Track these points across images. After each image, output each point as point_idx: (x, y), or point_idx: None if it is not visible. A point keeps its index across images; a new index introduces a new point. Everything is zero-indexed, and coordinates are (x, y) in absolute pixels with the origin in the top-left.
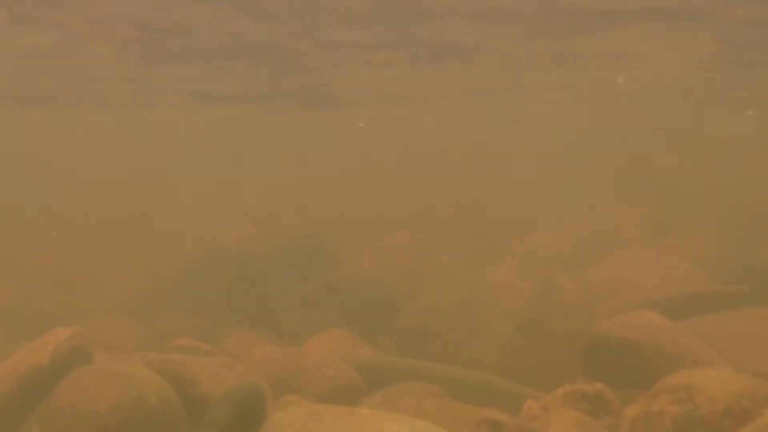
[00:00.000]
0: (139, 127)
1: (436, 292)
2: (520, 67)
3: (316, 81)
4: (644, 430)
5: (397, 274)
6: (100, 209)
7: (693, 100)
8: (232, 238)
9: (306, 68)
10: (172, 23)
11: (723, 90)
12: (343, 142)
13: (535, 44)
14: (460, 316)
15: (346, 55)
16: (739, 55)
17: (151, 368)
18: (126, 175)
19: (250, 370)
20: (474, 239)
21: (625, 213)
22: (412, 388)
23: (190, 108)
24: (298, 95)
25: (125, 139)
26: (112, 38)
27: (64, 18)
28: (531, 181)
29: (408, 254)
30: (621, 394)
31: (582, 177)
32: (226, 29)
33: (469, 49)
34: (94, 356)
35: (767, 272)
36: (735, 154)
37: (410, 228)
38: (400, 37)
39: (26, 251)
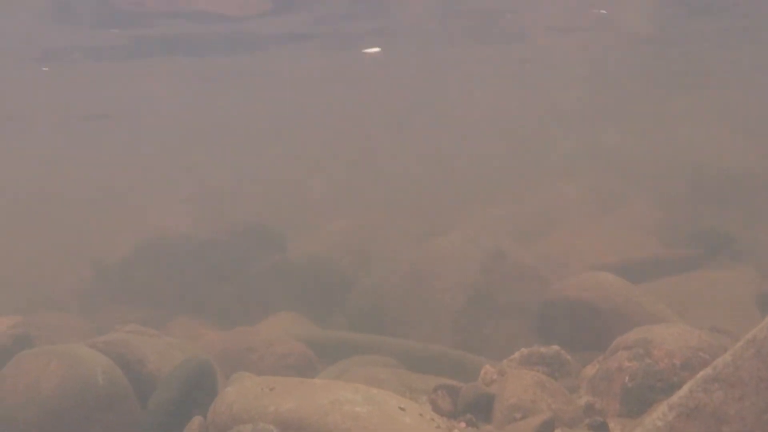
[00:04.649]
0: None
1: (385, 269)
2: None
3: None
4: (603, 387)
5: (344, 255)
6: (30, 201)
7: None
8: (175, 225)
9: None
10: None
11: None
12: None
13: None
14: (410, 291)
15: None
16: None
17: (95, 349)
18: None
19: (199, 350)
20: (419, 219)
21: (571, 187)
22: (365, 360)
23: None
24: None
25: None
26: None
27: None
28: (473, 158)
29: (353, 236)
30: (578, 356)
31: (523, 152)
32: None
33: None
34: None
35: (712, 237)
36: (673, 126)
37: (353, 213)
38: None
39: None
